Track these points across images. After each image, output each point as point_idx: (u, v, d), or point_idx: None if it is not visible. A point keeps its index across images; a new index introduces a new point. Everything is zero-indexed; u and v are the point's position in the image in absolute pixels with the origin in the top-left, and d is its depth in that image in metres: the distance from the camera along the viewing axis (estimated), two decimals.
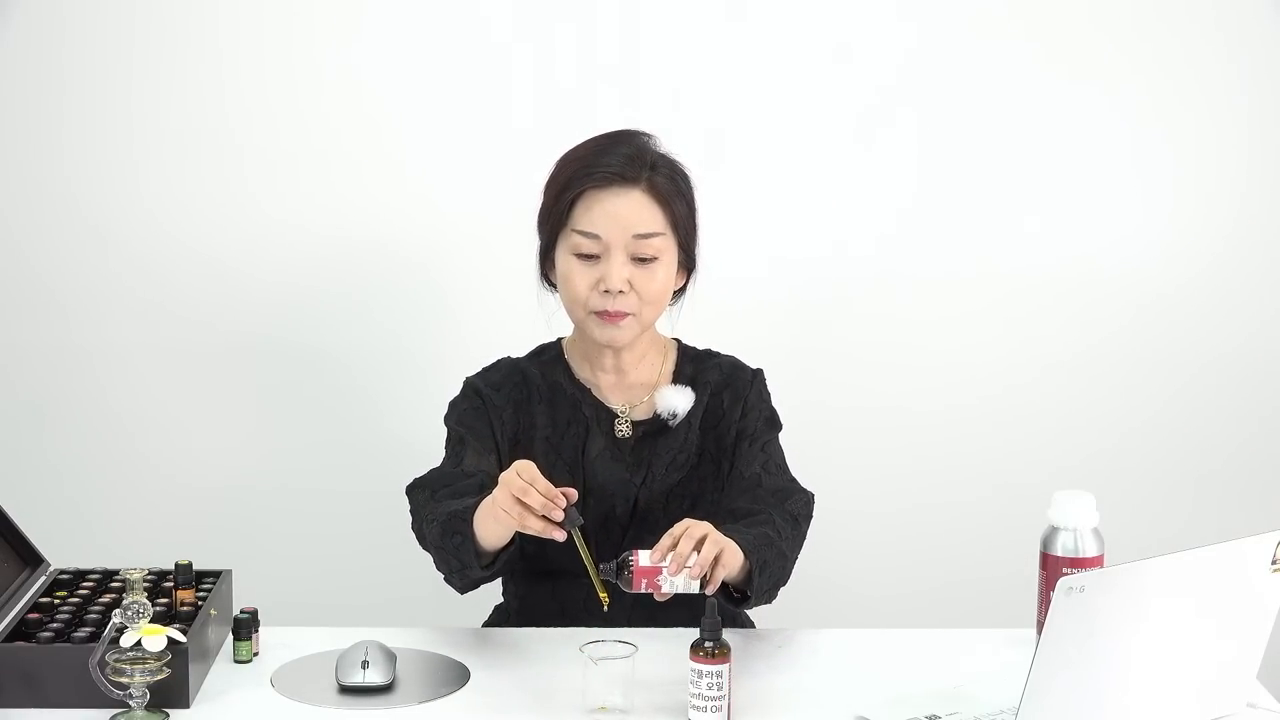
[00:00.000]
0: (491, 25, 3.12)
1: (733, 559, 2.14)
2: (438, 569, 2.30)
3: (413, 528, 2.34)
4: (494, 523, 2.14)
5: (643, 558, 2.11)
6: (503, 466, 2.37)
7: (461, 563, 2.22)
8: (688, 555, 2.08)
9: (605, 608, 2.14)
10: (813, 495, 2.41)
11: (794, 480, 2.43)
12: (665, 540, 2.10)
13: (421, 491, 2.34)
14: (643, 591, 2.11)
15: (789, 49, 3.14)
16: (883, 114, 3.16)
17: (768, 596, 2.27)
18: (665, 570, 2.09)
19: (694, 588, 2.11)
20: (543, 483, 2.07)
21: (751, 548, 2.19)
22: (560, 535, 2.08)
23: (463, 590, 2.31)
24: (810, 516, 2.39)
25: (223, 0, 3.09)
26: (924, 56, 3.15)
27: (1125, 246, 3.21)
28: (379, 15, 3.10)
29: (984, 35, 3.14)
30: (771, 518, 2.30)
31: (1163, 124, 3.18)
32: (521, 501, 2.06)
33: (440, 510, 2.25)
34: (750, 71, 3.14)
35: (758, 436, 2.44)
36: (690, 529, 2.10)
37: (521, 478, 2.07)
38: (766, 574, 2.22)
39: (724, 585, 2.22)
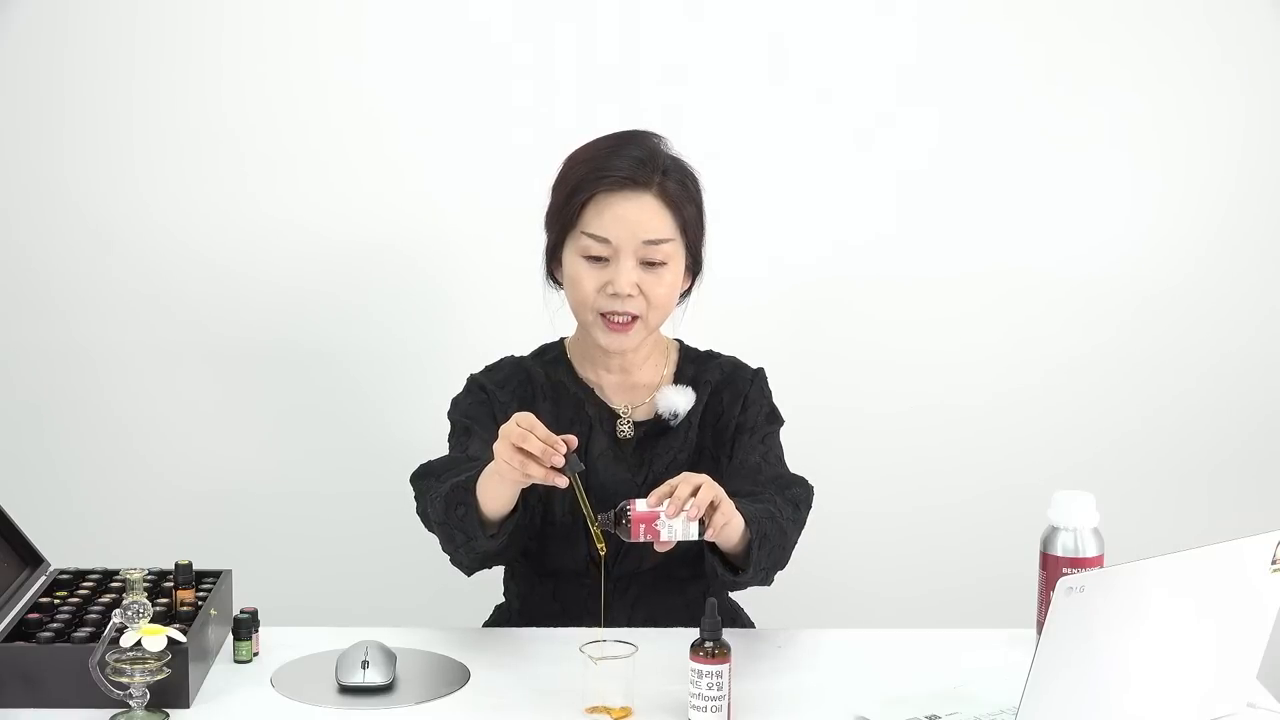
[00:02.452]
0: (491, 25, 3.12)
1: (731, 514, 2.13)
2: (444, 550, 2.28)
3: (417, 512, 2.34)
4: (497, 481, 2.13)
5: (640, 505, 2.10)
6: None
7: (467, 534, 2.20)
8: (686, 499, 2.07)
9: (602, 553, 2.13)
10: (812, 487, 2.41)
11: (793, 473, 2.43)
12: (663, 488, 2.10)
13: (427, 478, 2.34)
14: (642, 540, 2.10)
15: (789, 50, 3.14)
16: (882, 115, 3.16)
17: (764, 576, 2.26)
18: (663, 514, 2.08)
19: (693, 532, 2.10)
20: (542, 429, 2.06)
21: (752, 517, 2.18)
22: (562, 481, 2.06)
23: (469, 569, 2.29)
24: (810, 505, 2.38)
25: (223, 1, 3.10)
26: (922, 58, 3.14)
27: (1123, 247, 3.21)
28: (379, 15, 3.10)
29: (981, 38, 3.14)
30: (773, 498, 2.30)
31: (1161, 124, 3.18)
32: (522, 450, 2.05)
33: (443, 486, 2.24)
34: (750, 72, 3.14)
35: (757, 429, 2.44)
36: (687, 476, 2.10)
37: (520, 425, 2.07)
38: (766, 548, 2.21)
39: (722, 557, 2.22)
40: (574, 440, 2.08)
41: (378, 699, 2.10)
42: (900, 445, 3.25)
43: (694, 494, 2.08)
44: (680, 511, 2.07)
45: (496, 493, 2.15)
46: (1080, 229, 3.20)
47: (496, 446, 2.09)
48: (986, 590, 3.05)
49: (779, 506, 2.28)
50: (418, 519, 2.35)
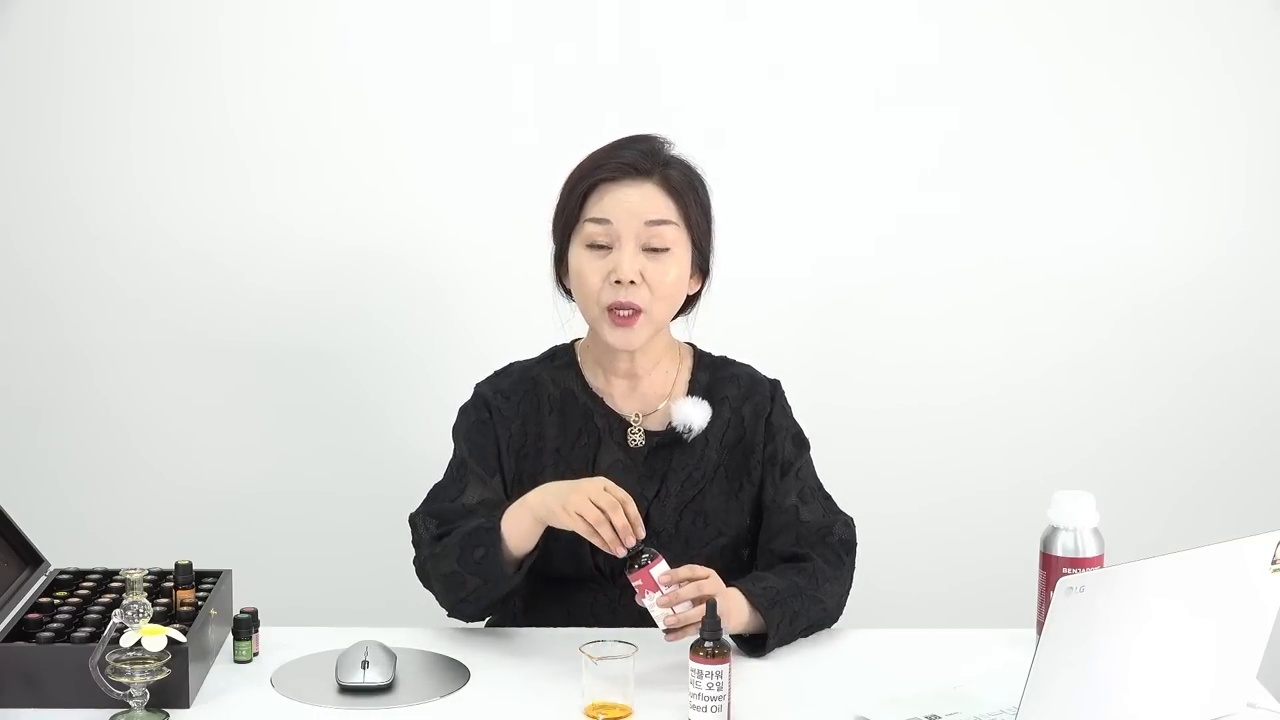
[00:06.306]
0: (492, 27, 3.11)
1: (735, 621, 2.18)
2: (442, 603, 2.31)
3: (414, 562, 2.35)
4: (534, 524, 2.18)
5: (658, 569, 2.12)
6: (506, 481, 2.38)
7: (484, 579, 2.22)
8: (684, 600, 2.11)
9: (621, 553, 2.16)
10: (851, 519, 2.43)
11: (829, 501, 2.44)
12: (684, 570, 2.13)
13: (423, 526, 2.34)
14: (631, 584, 2.13)
15: (790, 50, 3.14)
16: (884, 115, 3.16)
17: (796, 636, 2.28)
18: (661, 592, 2.11)
19: (661, 624, 2.12)
20: (625, 511, 2.12)
21: (773, 601, 2.21)
22: (621, 551, 2.12)
23: (470, 618, 2.32)
24: (854, 545, 2.42)
25: (223, 3, 3.09)
26: (925, 58, 3.14)
27: (1124, 247, 3.20)
28: (379, 18, 3.10)
29: (985, 35, 3.14)
30: (813, 563, 2.32)
31: (1163, 124, 3.17)
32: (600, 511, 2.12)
33: (452, 541, 2.26)
34: (751, 73, 3.14)
35: (790, 463, 2.43)
36: (704, 585, 2.12)
37: (615, 495, 2.13)
38: (799, 623, 2.25)
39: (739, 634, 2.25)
40: (643, 533, 2.14)
41: (378, 699, 2.10)
42: (900, 445, 3.25)
43: (698, 601, 2.11)
44: (669, 606, 2.11)
45: (529, 529, 2.20)
46: (1082, 229, 3.19)
47: (573, 498, 2.13)
48: (986, 590, 3.05)
49: (815, 571, 2.31)
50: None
